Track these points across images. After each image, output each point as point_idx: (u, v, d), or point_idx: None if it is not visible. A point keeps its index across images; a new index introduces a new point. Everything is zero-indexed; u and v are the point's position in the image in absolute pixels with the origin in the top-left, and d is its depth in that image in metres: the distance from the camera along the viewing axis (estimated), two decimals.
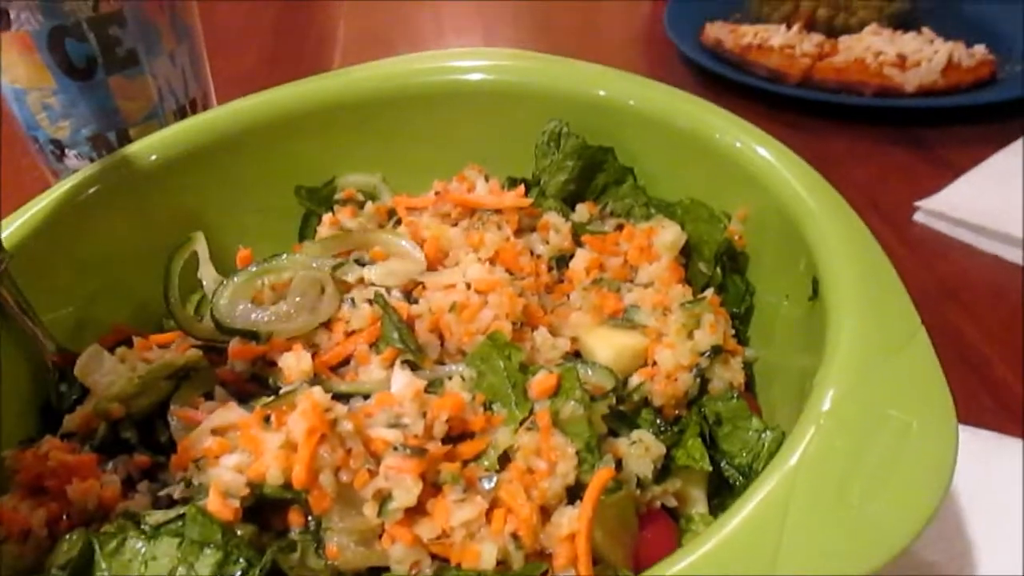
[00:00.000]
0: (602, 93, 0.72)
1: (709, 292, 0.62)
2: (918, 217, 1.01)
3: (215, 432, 0.50)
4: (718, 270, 0.65)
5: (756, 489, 0.42)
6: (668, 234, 0.64)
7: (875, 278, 0.50)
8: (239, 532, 0.45)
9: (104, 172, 0.70)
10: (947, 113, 1.20)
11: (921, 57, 1.24)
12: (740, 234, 0.65)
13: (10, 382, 0.58)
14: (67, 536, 0.47)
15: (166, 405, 0.55)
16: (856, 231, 0.54)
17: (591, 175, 0.73)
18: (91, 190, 0.68)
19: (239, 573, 0.43)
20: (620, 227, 0.69)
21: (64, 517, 0.50)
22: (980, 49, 1.28)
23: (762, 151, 0.61)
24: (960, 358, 0.82)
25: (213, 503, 0.45)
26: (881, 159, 1.15)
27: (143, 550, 0.44)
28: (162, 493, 0.49)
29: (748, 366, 0.62)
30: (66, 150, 0.89)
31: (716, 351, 0.59)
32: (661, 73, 0.73)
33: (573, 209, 0.72)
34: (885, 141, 1.18)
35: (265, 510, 0.48)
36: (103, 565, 0.44)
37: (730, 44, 1.33)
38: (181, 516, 0.45)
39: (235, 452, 0.48)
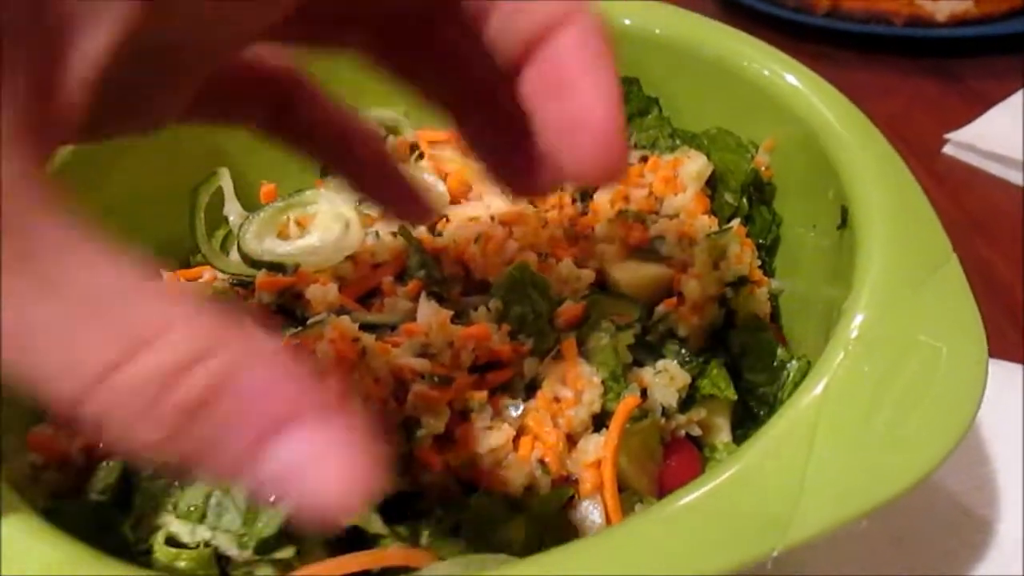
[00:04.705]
0: (627, 22, 0.70)
1: (735, 223, 0.61)
2: (947, 150, 0.99)
3: None
4: (744, 201, 0.64)
5: (782, 416, 0.42)
6: (694, 165, 0.64)
7: (905, 205, 0.50)
8: None
9: None
10: (979, 43, 1.17)
11: None
12: (767, 164, 0.64)
13: None
14: (104, 463, 0.48)
15: None
16: (886, 158, 0.53)
17: None
18: None
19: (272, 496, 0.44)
20: (644, 159, 0.68)
21: (100, 445, 0.51)
22: None
23: (791, 79, 0.60)
24: (988, 291, 0.81)
25: None
26: (910, 91, 1.13)
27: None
28: None
29: (774, 297, 0.61)
30: None
31: (742, 282, 0.59)
32: (687, 3, 0.71)
33: None
34: (914, 72, 1.16)
35: None
36: (141, 489, 0.45)
37: None
38: None
39: None
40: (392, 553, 0.46)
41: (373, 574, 0.46)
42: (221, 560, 0.44)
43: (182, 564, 0.43)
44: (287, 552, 0.44)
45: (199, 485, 0.45)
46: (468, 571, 0.44)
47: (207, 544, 0.44)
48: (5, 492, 0.41)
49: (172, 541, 0.44)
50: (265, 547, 0.43)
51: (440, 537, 0.47)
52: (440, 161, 0.68)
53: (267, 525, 0.43)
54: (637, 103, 0.71)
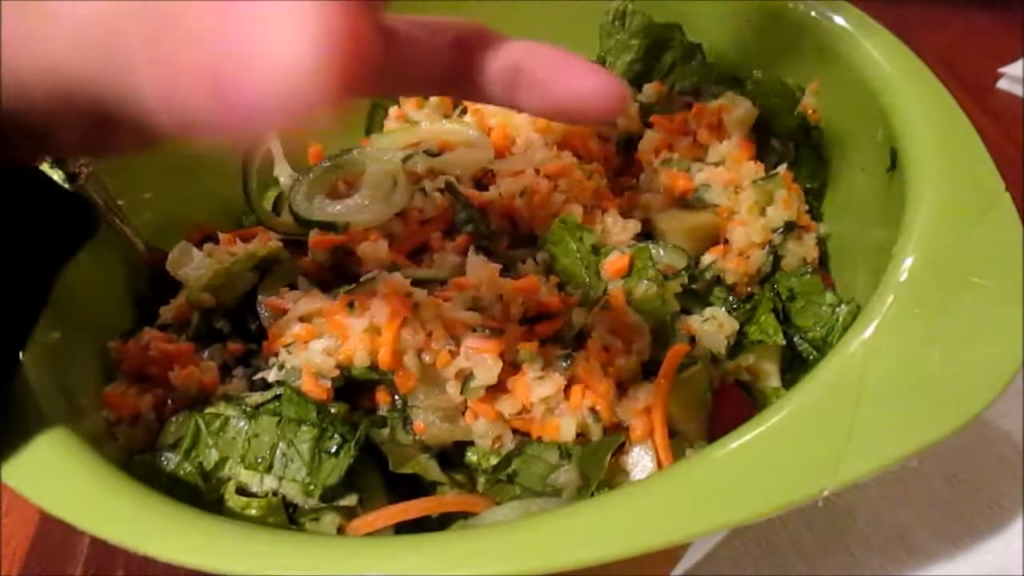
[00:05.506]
0: None
1: (782, 168, 0.61)
2: (1001, 84, 0.96)
3: (302, 319, 0.52)
4: (791, 145, 0.64)
5: (831, 359, 0.42)
6: (739, 110, 0.63)
7: (956, 145, 0.49)
8: (332, 410, 0.48)
9: None
10: None
11: None
12: (814, 108, 0.63)
13: (109, 278, 0.61)
14: (173, 418, 0.50)
15: (252, 296, 0.57)
16: (937, 98, 0.52)
17: (658, 54, 0.71)
18: None
19: (335, 448, 0.46)
20: (689, 106, 0.67)
21: (168, 402, 0.53)
22: None
23: (838, 19, 0.59)
24: None
25: (306, 384, 0.48)
26: (960, 24, 1.09)
27: (246, 428, 0.47)
28: (257, 377, 0.52)
29: (822, 241, 0.61)
30: None
31: (789, 227, 0.58)
32: None
33: (640, 90, 0.71)
34: (964, 4, 1.12)
35: (354, 390, 0.51)
36: (210, 443, 0.47)
37: None
38: (277, 397, 0.48)
39: (323, 337, 0.51)
40: (450, 499, 0.48)
41: (432, 519, 0.48)
42: (288, 507, 0.46)
43: (252, 512, 0.45)
44: (350, 499, 0.46)
45: (265, 437, 0.47)
46: (523, 515, 0.45)
47: (275, 493, 0.46)
48: (84, 448, 0.43)
49: (242, 491, 0.46)
50: (330, 495, 0.45)
51: (495, 484, 0.48)
52: (483, 115, 0.68)
53: (331, 474, 0.45)
54: (680, 49, 0.70)
